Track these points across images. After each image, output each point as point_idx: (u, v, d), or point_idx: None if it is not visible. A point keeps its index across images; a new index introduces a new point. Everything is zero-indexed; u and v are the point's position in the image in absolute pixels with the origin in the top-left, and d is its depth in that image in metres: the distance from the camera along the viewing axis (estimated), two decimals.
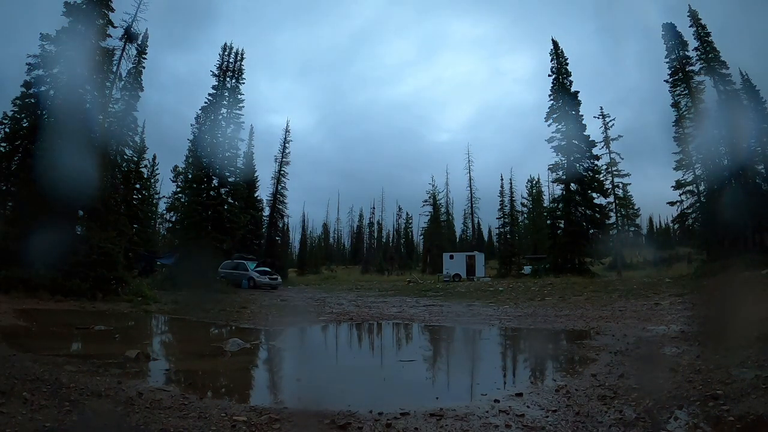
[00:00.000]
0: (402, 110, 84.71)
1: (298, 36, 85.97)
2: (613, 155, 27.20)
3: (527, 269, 30.72)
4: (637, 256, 38.77)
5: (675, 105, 23.27)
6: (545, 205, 37.74)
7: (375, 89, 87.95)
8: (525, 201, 44.06)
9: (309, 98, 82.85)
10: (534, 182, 44.52)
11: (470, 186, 43.64)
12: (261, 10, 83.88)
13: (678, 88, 23.26)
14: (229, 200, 25.48)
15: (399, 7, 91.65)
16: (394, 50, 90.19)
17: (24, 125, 18.58)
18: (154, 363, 6.19)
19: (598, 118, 27.61)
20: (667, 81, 23.61)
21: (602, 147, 27.31)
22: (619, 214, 28.10)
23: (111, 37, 18.90)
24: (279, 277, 24.53)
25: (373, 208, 56.14)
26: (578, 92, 27.75)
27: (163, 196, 35.74)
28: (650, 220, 55.86)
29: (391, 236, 56.51)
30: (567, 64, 28.34)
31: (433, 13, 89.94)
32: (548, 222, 29.76)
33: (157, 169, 35.94)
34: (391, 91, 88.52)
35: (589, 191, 27.03)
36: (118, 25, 19.65)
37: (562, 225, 27.65)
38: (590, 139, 27.28)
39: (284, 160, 34.10)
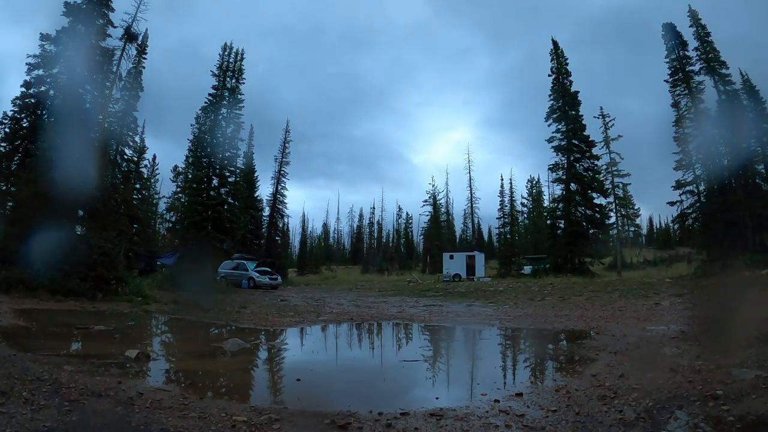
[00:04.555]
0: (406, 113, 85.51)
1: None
2: (613, 155, 27.23)
3: (527, 269, 30.71)
4: (637, 256, 38.82)
5: (675, 105, 23.29)
6: (545, 205, 37.85)
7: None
8: (525, 201, 44.20)
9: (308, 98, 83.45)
10: (534, 182, 44.68)
11: (470, 186, 43.68)
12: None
13: (678, 88, 23.26)
14: (229, 200, 25.52)
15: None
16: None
17: (24, 125, 18.64)
18: (154, 363, 6.18)
19: (598, 118, 27.64)
20: (667, 81, 23.65)
21: (602, 147, 27.35)
22: (619, 214, 28.13)
23: (111, 37, 19.00)
24: (279, 277, 24.53)
25: (373, 208, 56.31)
26: (578, 92, 27.83)
27: (163, 196, 35.83)
28: (650, 220, 56.06)
29: (391, 236, 56.66)
30: (567, 64, 28.38)
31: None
32: (548, 222, 29.79)
33: (157, 169, 36.06)
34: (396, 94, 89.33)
35: (589, 191, 27.04)
36: (118, 25, 19.74)
37: (562, 225, 27.67)
38: (590, 139, 27.31)
39: (284, 160, 34.14)
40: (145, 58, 21.82)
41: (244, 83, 26.59)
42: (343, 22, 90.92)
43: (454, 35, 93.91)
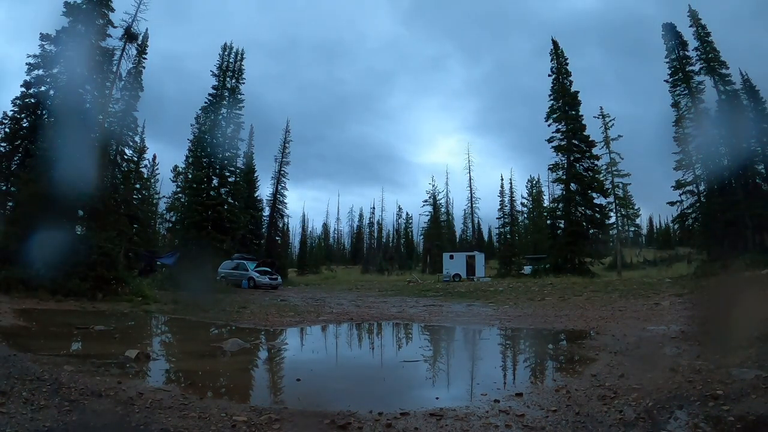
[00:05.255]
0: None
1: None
2: (613, 155, 27.23)
3: (527, 269, 30.72)
4: (637, 256, 38.84)
5: (675, 105, 23.30)
6: (545, 205, 37.86)
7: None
8: (525, 201, 44.21)
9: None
10: (534, 182, 44.69)
11: (470, 186, 43.72)
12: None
13: (678, 88, 23.28)
14: (229, 200, 25.52)
15: None
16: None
17: (24, 125, 18.66)
18: (154, 363, 6.18)
19: (598, 118, 27.64)
20: (667, 81, 23.66)
21: (602, 147, 27.35)
22: (619, 214, 28.12)
23: (111, 37, 19.02)
24: (279, 277, 24.53)
25: (373, 208, 56.38)
26: (578, 92, 27.82)
27: (163, 196, 35.86)
28: (650, 220, 56.11)
29: (391, 236, 56.72)
30: (567, 64, 28.38)
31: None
32: (548, 222, 29.79)
33: (157, 169, 36.09)
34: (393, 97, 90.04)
35: (589, 191, 27.03)
36: (118, 25, 19.76)
37: (562, 225, 27.66)
38: (590, 139, 27.30)
39: (284, 160, 34.16)
40: (145, 58, 21.86)
41: (244, 83, 26.64)
42: (316, 37, 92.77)
43: (427, 47, 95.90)
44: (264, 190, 34.53)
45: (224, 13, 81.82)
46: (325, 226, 58.95)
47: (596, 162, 27.26)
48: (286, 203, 34.21)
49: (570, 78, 28.07)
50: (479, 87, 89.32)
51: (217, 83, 25.95)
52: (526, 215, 44.44)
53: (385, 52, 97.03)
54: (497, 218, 39.13)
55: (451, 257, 29.99)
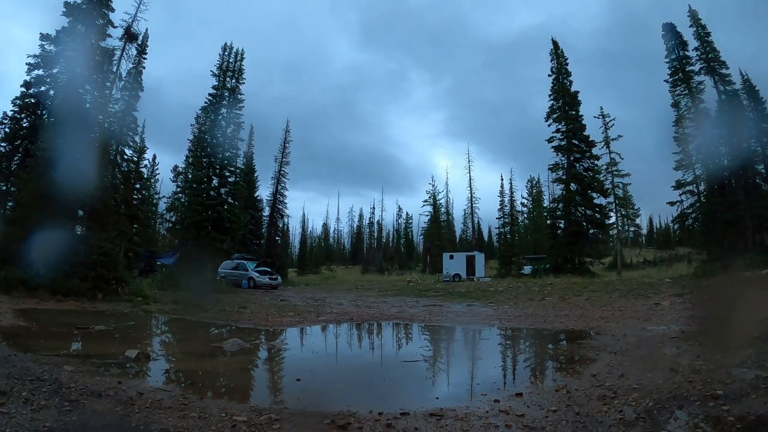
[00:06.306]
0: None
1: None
2: (613, 155, 27.24)
3: (527, 269, 30.72)
4: (637, 256, 38.86)
5: (675, 105, 23.30)
6: (545, 205, 37.89)
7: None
8: (525, 201, 44.26)
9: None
10: (534, 182, 44.75)
11: (470, 186, 43.75)
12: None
13: (678, 88, 23.28)
14: (229, 200, 25.49)
15: None
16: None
17: (24, 125, 18.66)
18: (154, 363, 6.19)
19: (598, 118, 27.64)
20: (667, 81, 23.66)
21: (602, 147, 27.34)
22: (619, 214, 28.16)
23: (111, 37, 18.99)
24: (279, 277, 24.54)
25: (373, 208, 56.40)
26: (578, 92, 27.81)
27: (163, 196, 35.87)
28: (650, 220, 56.15)
29: (391, 236, 56.76)
30: (567, 64, 28.37)
31: None
32: (548, 222, 29.79)
33: (157, 169, 36.11)
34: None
35: (589, 191, 27.01)
36: (118, 25, 19.72)
37: (562, 225, 27.65)
38: (590, 139, 27.29)
39: (284, 160, 34.17)
40: (145, 58, 21.82)
41: (244, 83, 26.62)
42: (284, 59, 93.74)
43: (387, 65, 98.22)
44: (264, 191, 34.60)
45: (193, 39, 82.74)
46: (325, 226, 59.07)
47: (596, 162, 27.29)
48: (286, 203, 34.29)
49: (570, 78, 28.09)
50: (445, 98, 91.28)
51: (217, 83, 25.94)
52: (526, 215, 44.52)
53: (349, 72, 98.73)
54: (497, 218, 39.17)
55: (451, 257, 29.99)
